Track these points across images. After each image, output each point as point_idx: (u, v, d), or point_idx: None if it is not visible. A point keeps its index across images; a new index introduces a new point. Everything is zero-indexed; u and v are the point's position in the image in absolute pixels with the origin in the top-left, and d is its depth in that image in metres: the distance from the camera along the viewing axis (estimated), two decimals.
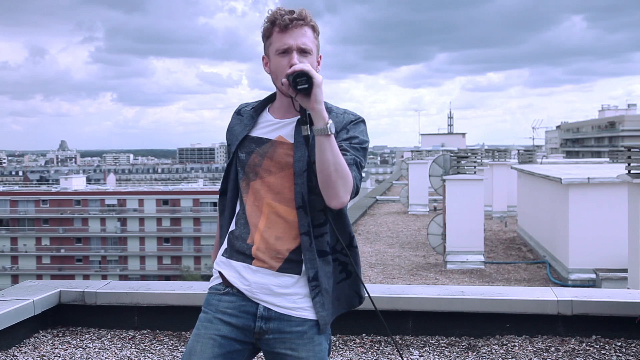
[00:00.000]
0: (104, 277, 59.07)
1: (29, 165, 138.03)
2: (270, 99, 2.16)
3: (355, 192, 1.97)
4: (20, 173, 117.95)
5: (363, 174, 2.05)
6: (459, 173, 10.71)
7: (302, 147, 1.99)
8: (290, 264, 2.01)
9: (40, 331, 4.25)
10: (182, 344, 4.15)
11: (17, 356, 3.88)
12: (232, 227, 2.11)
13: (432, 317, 4.18)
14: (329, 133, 1.85)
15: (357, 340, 4.16)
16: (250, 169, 2.06)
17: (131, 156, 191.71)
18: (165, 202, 65.62)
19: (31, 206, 63.99)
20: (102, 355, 3.94)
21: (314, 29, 2.05)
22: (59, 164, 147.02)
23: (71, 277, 58.36)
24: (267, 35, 2.05)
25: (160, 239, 64.57)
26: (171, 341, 4.20)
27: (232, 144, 2.13)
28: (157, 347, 4.11)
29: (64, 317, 4.36)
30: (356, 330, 4.23)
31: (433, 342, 4.11)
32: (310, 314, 2.01)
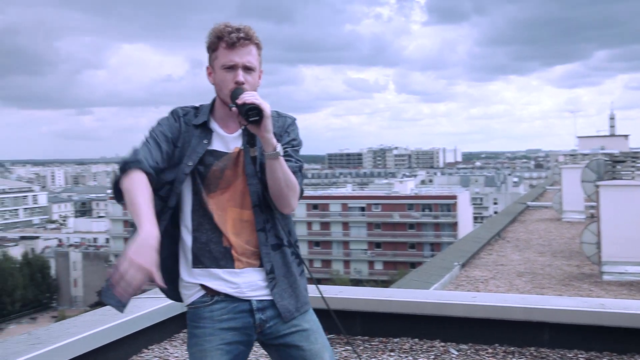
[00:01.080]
0: None
1: None
2: (211, 108, 2.22)
3: (301, 195, 2.16)
4: None
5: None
6: (614, 178, 10.08)
7: (249, 154, 2.12)
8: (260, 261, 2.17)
9: None
10: None
11: (167, 348, 4.24)
12: (188, 241, 2.14)
13: (570, 330, 4.01)
14: (278, 157, 2.03)
15: (490, 350, 4.09)
16: (210, 181, 2.14)
17: None
18: (315, 206, 67.32)
19: None
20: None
21: (258, 46, 2.18)
22: None
23: None
24: (213, 49, 2.17)
25: (311, 243, 66.31)
26: None
27: (188, 155, 2.13)
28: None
29: None
30: (490, 340, 4.16)
31: (570, 355, 3.95)
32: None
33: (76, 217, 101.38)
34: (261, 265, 2.13)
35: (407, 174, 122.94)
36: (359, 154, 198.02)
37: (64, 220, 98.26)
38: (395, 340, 4.32)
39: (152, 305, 4.23)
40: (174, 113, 2.21)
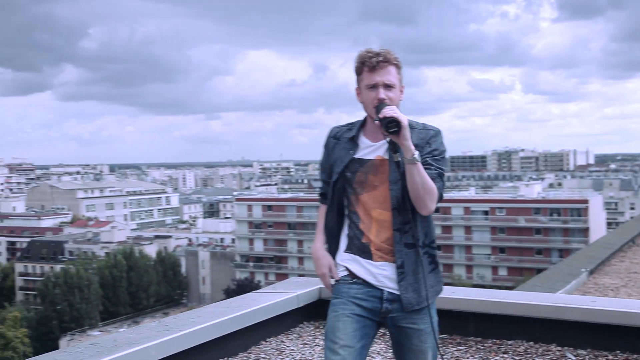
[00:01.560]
0: None
1: (313, 174, 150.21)
2: (362, 123, 2.63)
3: (439, 199, 2.48)
4: (305, 181, 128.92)
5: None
6: None
7: (393, 163, 2.48)
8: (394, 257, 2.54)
9: (305, 322, 4.78)
10: None
11: (284, 341, 4.43)
12: (346, 231, 2.62)
13: None
14: (416, 162, 2.37)
15: (610, 357, 3.94)
16: (357, 185, 2.55)
17: None
18: (436, 210, 66.05)
19: (314, 211, 69.51)
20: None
21: (397, 66, 2.54)
22: None
23: None
24: (358, 73, 2.57)
25: None
26: None
27: (336, 165, 2.60)
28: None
29: (325, 311, 4.82)
30: (610, 346, 4.01)
31: None
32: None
33: (205, 217, 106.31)
34: (395, 262, 2.50)
35: (534, 176, 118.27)
36: (483, 157, 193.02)
37: (194, 221, 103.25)
38: (510, 342, 4.26)
39: (269, 300, 4.44)
40: (329, 134, 2.70)
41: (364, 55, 2.53)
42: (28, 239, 79.14)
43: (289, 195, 76.82)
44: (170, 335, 3.57)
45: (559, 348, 4.11)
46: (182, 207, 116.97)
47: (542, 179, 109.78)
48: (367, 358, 2.84)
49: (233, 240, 77.17)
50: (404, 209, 2.47)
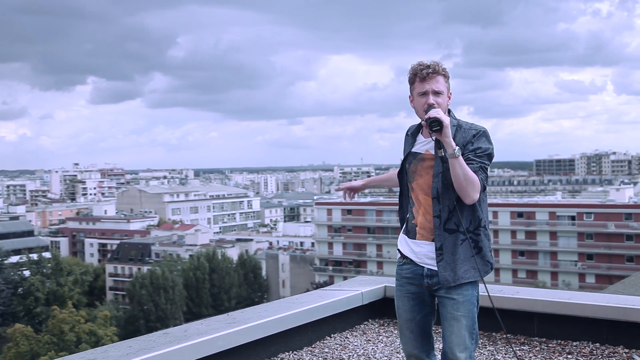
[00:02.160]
0: None
1: None
2: (420, 125, 3.04)
3: (483, 189, 2.82)
4: None
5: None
6: None
7: (438, 157, 2.84)
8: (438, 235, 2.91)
9: (369, 319, 4.88)
10: (491, 343, 4.35)
11: (348, 337, 4.54)
12: (406, 213, 3.04)
13: None
14: (456, 156, 2.71)
15: None
16: (411, 174, 2.98)
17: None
18: (520, 214, 64.70)
19: (393, 216, 69.14)
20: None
21: (445, 76, 2.93)
22: None
23: None
24: (411, 82, 2.97)
25: (515, 252, 63.84)
26: (482, 340, 4.42)
27: (404, 155, 3.05)
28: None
29: (389, 309, 4.91)
30: None
31: None
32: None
33: (285, 221, 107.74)
34: (434, 241, 2.87)
35: (626, 180, 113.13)
36: (571, 160, 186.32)
37: (274, 225, 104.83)
38: (575, 343, 4.21)
39: (335, 296, 4.57)
40: (407, 130, 3.12)
41: (416, 67, 2.93)
42: (118, 241, 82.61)
43: (368, 199, 76.77)
44: (236, 328, 3.77)
45: (626, 350, 4.04)
46: (264, 211, 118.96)
47: (635, 183, 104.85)
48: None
49: (313, 244, 77.83)
50: (444, 198, 2.83)
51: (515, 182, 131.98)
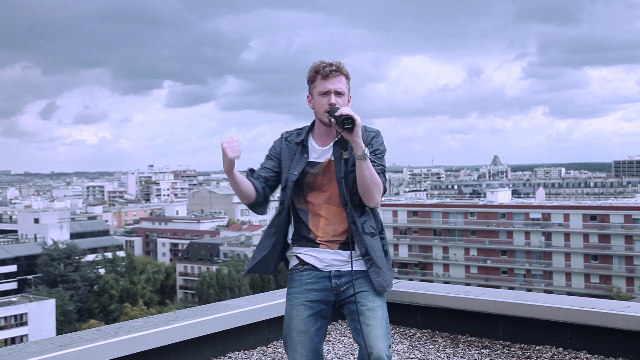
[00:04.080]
0: (529, 291, 58.95)
1: (463, 180, 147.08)
2: (311, 128, 2.83)
3: (384, 192, 2.69)
4: (455, 187, 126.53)
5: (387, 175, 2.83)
6: None
7: (339, 162, 2.70)
8: (343, 245, 2.75)
9: (339, 320, 4.75)
10: (453, 346, 4.16)
11: None
12: (293, 228, 2.79)
13: None
14: (366, 158, 2.58)
15: None
16: (307, 185, 2.75)
17: (562, 170, 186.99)
18: (593, 217, 62.30)
19: (460, 218, 68.01)
20: None
21: (347, 76, 2.80)
22: (491, 178, 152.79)
23: (496, 287, 59.86)
24: (311, 80, 2.79)
25: (588, 256, 61.46)
26: (444, 342, 4.25)
27: (292, 167, 2.76)
28: (428, 346, 4.21)
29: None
30: None
31: None
32: (363, 268, 2.72)
33: None
34: (341, 249, 2.73)
35: None
36: None
37: None
38: (537, 347, 3.98)
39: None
40: (281, 136, 2.88)
41: (318, 65, 2.77)
42: (188, 241, 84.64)
43: (434, 201, 75.72)
44: (173, 325, 3.74)
45: (589, 355, 3.78)
46: None
47: None
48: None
49: None
50: (352, 203, 2.68)
51: (591, 184, 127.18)
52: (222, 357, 4.02)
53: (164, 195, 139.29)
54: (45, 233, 72.07)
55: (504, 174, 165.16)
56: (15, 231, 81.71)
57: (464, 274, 66.27)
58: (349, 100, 2.79)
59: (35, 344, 3.34)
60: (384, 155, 2.77)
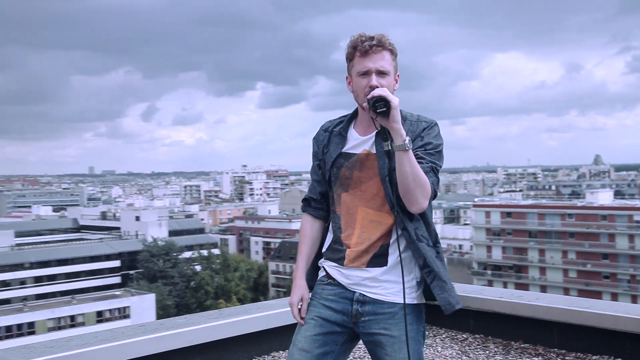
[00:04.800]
0: (633, 298, 55.99)
1: (562, 180, 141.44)
2: (354, 115, 2.41)
3: (434, 196, 2.23)
4: (553, 187, 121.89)
5: (440, 176, 2.32)
6: None
7: (383, 156, 2.25)
8: (377, 259, 2.29)
9: None
10: (504, 352, 3.98)
11: None
12: (330, 234, 2.41)
13: None
14: (407, 149, 2.12)
15: None
16: (342, 181, 2.34)
17: None
18: None
19: (557, 219, 65.43)
20: (425, 352, 4.10)
21: (392, 52, 2.30)
22: (592, 178, 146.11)
23: (598, 294, 57.33)
24: (349, 59, 2.34)
25: None
26: (496, 348, 4.08)
27: (327, 161, 2.39)
28: (478, 351, 4.06)
29: (436, 315, 4.66)
30: None
31: None
32: (398, 299, 2.25)
33: (444, 223, 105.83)
34: (370, 265, 2.29)
35: None
36: None
37: None
38: (594, 357, 3.75)
39: None
40: (320, 128, 2.50)
41: (356, 40, 2.30)
42: (280, 240, 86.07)
43: (529, 201, 73.26)
44: (215, 322, 3.79)
45: None
46: None
47: None
48: None
49: (471, 247, 75.76)
50: (402, 206, 2.23)
51: None
52: (266, 356, 4.03)
53: (257, 194, 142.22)
54: (146, 230, 75.26)
55: (607, 174, 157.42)
56: (119, 228, 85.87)
57: (561, 277, 63.72)
58: (396, 81, 2.32)
59: (79, 338, 3.47)
60: (438, 152, 2.29)
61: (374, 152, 2.30)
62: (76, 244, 76.35)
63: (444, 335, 4.37)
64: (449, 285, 2.28)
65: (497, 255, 69.48)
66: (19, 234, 78.12)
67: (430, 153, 2.27)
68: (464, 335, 4.35)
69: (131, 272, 71.41)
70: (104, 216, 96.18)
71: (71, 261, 69.09)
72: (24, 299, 60.56)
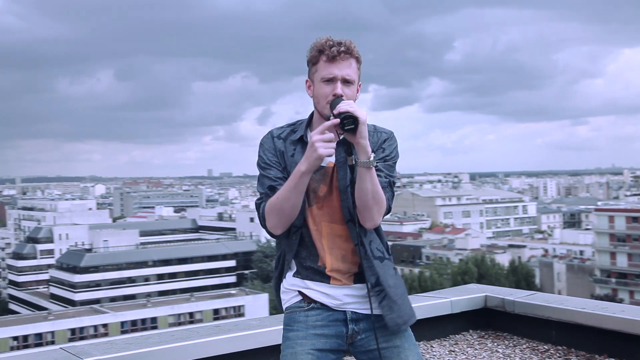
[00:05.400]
0: None
1: None
2: (309, 122, 2.28)
3: (387, 212, 2.17)
4: None
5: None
6: None
7: (344, 167, 2.17)
8: (358, 277, 2.23)
9: (470, 330, 4.57)
10: None
11: (433, 347, 4.32)
12: (294, 250, 2.23)
13: None
14: (371, 166, 2.05)
15: None
16: (308, 195, 2.19)
17: None
18: None
19: None
20: None
21: (358, 60, 2.21)
22: None
23: None
24: (313, 62, 2.21)
25: None
26: None
27: (292, 170, 2.14)
28: None
29: (493, 320, 4.55)
30: None
31: None
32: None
33: (564, 228, 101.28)
34: (356, 282, 2.22)
35: None
36: None
37: (551, 231, 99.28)
38: None
39: (419, 302, 4.39)
40: (270, 134, 2.30)
41: (323, 43, 2.17)
42: (391, 243, 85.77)
43: None
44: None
45: None
46: (540, 217, 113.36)
47: None
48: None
49: (593, 253, 72.04)
50: (359, 220, 2.15)
51: None
52: None
53: None
54: (260, 231, 77.41)
55: None
56: (234, 229, 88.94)
57: None
58: (358, 90, 2.22)
59: (157, 336, 3.66)
60: (394, 163, 2.24)
61: (337, 163, 2.19)
62: (195, 244, 79.96)
63: (524, 346, 4.22)
64: (399, 303, 2.18)
65: (622, 262, 65.67)
66: (143, 233, 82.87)
67: (389, 165, 2.22)
68: (545, 347, 4.18)
69: (246, 271, 73.78)
70: (220, 217, 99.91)
71: (190, 260, 72.44)
72: (148, 295, 64.06)
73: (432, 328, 4.43)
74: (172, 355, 3.43)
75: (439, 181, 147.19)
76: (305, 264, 2.24)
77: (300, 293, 2.24)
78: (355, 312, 2.21)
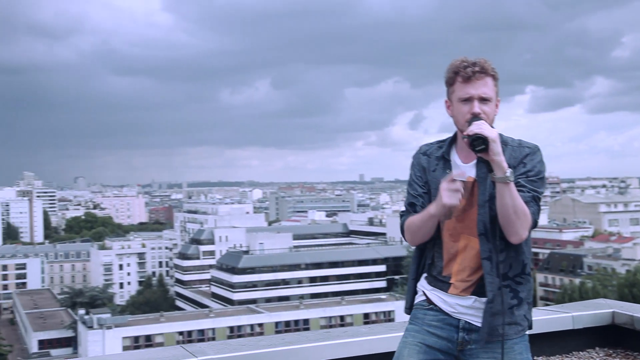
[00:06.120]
0: None
1: None
2: (454, 139, 2.39)
3: (534, 226, 2.20)
4: None
5: (541, 204, 2.26)
6: None
7: (484, 182, 2.24)
8: (481, 289, 2.28)
9: (597, 347, 4.31)
10: None
11: None
12: (429, 259, 2.41)
13: None
14: (509, 182, 2.11)
15: None
16: None
17: None
18: None
19: None
20: None
21: (494, 77, 2.29)
22: None
23: None
24: (450, 83, 2.33)
25: None
26: None
27: (433, 185, 2.33)
28: None
29: (622, 338, 4.26)
30: None
31: None
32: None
33: None
34: (475, 294, 2.29)
35: None
36: None
37: None
38: None
39: (537, 316, 4.22)
40: (418, 151, 2.49)
41: (458, 64, 2.30)
42: (548, 251, 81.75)
43: None
44: (393, 334, 3.89)
45: None
46: None
47: None
48: None
49: None
50: (494, 235, 2.22)
51: None
52: None
53: None
54: None
55: None
56: (384, 234, 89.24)
57: None
58: (496, 106, 2.31)
59: (269, 339, 3.83)
60: (540, 178, 2.24)
61: (476, 179, 2.28)
62: (346, 248, 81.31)
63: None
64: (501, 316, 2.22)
65: None
66: (296, 237, 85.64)
67: (532, 180, 2.23)
68: None
69: (396, 277, 73.75)
70: (371, 222, 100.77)
71: (341, 264, 73.77)
72: (301, 297, 66.11)
73: (554, 343, 4.24)
74: (280, 359, 3.58)
75: (604, 186, 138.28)
76: (433, 271, 2.40)
77: (424, 293, 2.43)
78: (468, 322, 2.30)
